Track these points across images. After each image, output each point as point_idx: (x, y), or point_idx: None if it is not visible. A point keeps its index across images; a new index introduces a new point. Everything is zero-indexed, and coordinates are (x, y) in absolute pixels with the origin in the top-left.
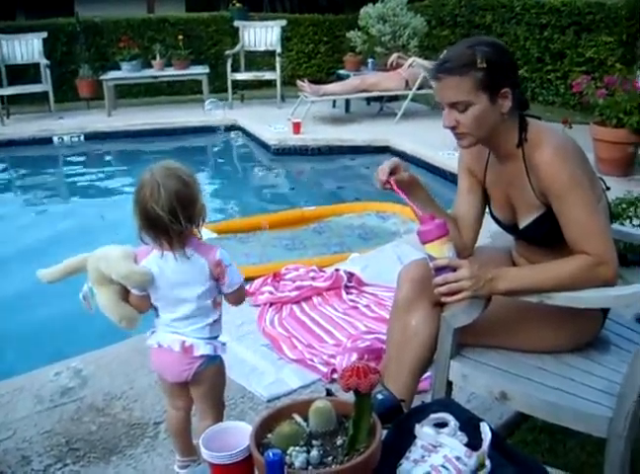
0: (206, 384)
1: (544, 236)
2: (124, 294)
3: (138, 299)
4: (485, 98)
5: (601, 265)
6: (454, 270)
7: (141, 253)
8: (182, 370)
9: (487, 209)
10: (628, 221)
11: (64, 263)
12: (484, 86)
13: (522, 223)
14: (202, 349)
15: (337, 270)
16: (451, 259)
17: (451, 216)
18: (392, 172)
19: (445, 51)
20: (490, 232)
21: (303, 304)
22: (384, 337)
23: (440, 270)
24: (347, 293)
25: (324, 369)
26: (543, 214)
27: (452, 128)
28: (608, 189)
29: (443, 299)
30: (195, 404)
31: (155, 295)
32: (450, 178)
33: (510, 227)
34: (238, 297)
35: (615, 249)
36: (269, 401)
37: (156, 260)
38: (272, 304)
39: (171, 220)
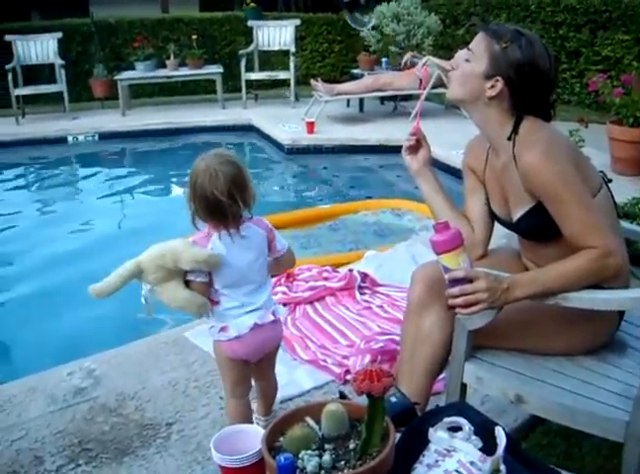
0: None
1: (536, 229)
2: (186, 286)
3: (201, 286)
4: (483, 66)
5: (609, 255)
6: (470, 281)
7: (200, 240)
8: (278, 337)
9: None
10: None
11: (116, 274)
12: (490, 57)
13: (515, 216)
14: (280, 311)
15: (350, 270)
16: (467, 270)
17: (461, 211)
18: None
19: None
20: (504, 231)
21: (317, 305)
22: (398, 338)
23: (455, 281)
24: (360, 294)
25: (337, 370)
26: (534, 207)
27: (452, 69)
28: (610, 181)
29: (458, 311)
30: (264, 371)
31: (224, 279)
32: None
33: (506, 222)
34: (290, 259)
35: (618, 239)
36: (282, 402)
37: (220, 241)
38: (285, 305)
39: (230, 204)
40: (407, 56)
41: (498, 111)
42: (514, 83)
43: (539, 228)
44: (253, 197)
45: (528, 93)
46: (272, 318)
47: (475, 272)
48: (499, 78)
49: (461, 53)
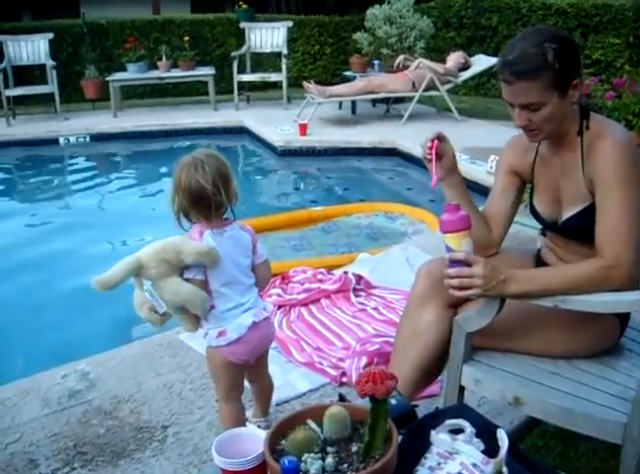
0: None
1: (584, 229)
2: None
3: (200, 284)
4: (556, 95)
5: (615, 268)
6: (469, 265)
7: (194, 237)
8: (272, 334)
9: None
10: None
11: (119, 266)
12: (556, 85)
13: (566, 214)
14: (269, 307)
15: (345, 272)
16: (468, 253)
17: (482, 214)
18: (440, 138)
19: (510, 48)
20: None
21: (312, 307)
22: (393, 340)
23: (454, 262)
24: (355, 296)
25: (333, 373)
26: (589, 206)
27: (524, 127)
28: None
29: (451, 292)
30: (259, 371)
31: (221, 277)
32: None
33: (550, 222)
34: (267, 268)
35: (634, 257)
36: (277, 404)
37: (212, 238)
38: (280, 307)
39: (214, 192)
40: (400, 59)
41: (571, 107)
42: (579, 69)
43: (586, 230)
44: (235, 194)
45: (580, 65)
46: (265, 314)
47: (475, 257)
48: (574, 82)
49: (524, 117)
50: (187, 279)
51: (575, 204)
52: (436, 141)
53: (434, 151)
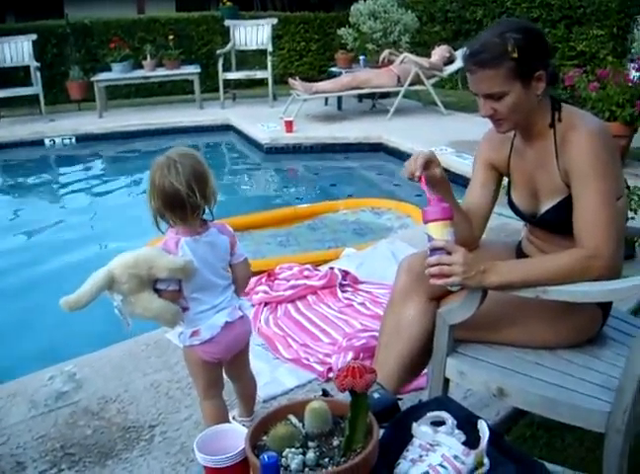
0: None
1: (563, 222)
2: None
3: (172, 294)
4: (519, 85)
5: (594, 258)
6: (450, 254)
7: (170, 245)
8: (248, 332)
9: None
10: None
11: (89, 283)
12: (517, 74)
13: (543, 208)
14: (245, 305)
15: (331, 268)
16: (449, 242)
17: (464, 211)
18: (426, 166)
19: (475, 40)
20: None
21: (298, 303)
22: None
23: (435, 250)
24: (342, 291)
25: (320, 368)
26: (565, 199)
27: (490, 117)
28: (628, 188)
29: (432, 281)
30: (239, 369)
31: (193, 285)
32: None
33: (528, 215)
34: (246, 267)
35: (619, 249)
36: (264, 401)
37: (188, 247)
38: (266, 304)
39: (188, 194)
40: (385, 54)
41: (541, 100)
42: (545, 61)
43: (564, 223)
44: (214, 193)
45: (546, 58)
46: (240, 313)
47: (455, 246)
48: (537, 73)
49: (488, 106)
50: (160, 290)
51: (551, 197)
52: (423, 177)
53: (426, 188)
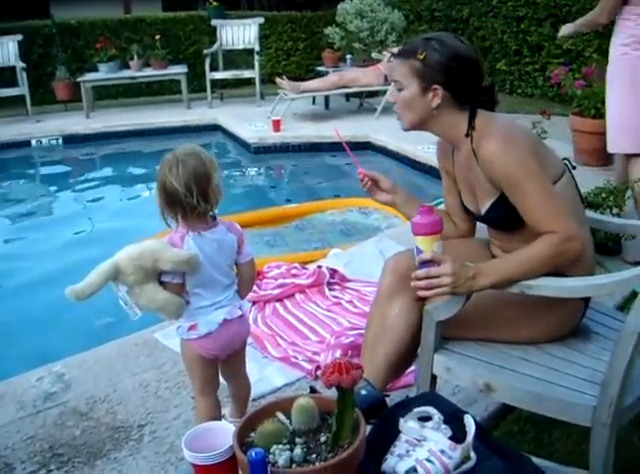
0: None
1: (503, 220)
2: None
3: (177, 288)
4: (416, 86)
5: (570, 240)
6: (438, 264)
7: (175, 240)
8: (246, 332)
9: None
10: (608, 210)
11: (95, 274)
12: (416, 75)
13: (483, 208)
14: (245, 305)
15: (319, 266)
16: (436, 253)
17: (443, 211)
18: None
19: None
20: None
21: (286, 302)
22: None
23: (423, 264)
24: (330, 290)
25: (308, 367)
26: (499, 198)
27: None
28: (574, 168)
29: (420, 294)
30: (234, 369)
31: (196, 280)
32: (430, 171)
33: (476, 215)
34: (251, 267)
35: (580, 225)
36: (254, 399)
37: (194, 242)
38: (254, 303)
39: (185, 194)
40: (385, 59)
41: (449, 114)
42: (449, 83)
43: (506, 218)
44: (217, 194)
45: (465, 84)
46: (239, 313)
47: (443, 256)
48: (435, 86)
49: (392, 88)
50: (164, 282)
51: (486, 198)
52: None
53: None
